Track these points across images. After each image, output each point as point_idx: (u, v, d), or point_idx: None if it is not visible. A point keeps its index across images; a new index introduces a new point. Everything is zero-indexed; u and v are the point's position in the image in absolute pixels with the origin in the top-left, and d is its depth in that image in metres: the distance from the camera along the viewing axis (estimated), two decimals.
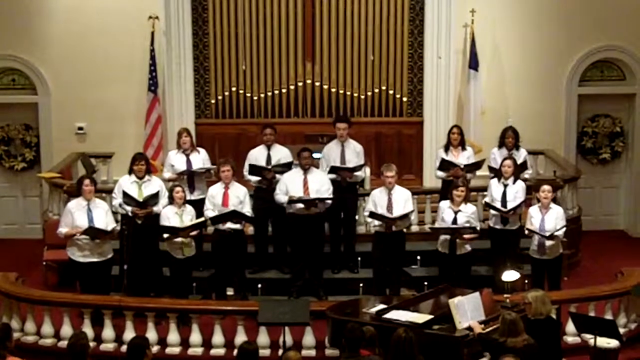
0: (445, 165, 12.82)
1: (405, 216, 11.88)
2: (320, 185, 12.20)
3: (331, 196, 12.18)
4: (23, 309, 11.27)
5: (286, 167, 12.57)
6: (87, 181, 11.60)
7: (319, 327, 10.53)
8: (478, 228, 11.74)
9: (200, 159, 12.74)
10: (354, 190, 12.87)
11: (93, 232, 11.36)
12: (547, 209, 11.58)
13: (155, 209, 11.82)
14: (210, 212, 11.88)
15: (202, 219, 11.79)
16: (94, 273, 11.46)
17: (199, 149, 12.95)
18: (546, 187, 11.62)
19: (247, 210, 11.95)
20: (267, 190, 12.54)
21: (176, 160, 12.68)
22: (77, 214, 11.46)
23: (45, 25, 15.45)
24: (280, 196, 12.19)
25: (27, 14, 15.38)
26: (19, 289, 11.38)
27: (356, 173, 12.72)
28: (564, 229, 11.53)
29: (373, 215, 11.79)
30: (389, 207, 11.86)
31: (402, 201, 11.93)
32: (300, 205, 12.05)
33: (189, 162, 12.63)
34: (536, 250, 11.64)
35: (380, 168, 12.35)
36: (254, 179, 12.64)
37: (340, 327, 9.05)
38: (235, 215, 11.78)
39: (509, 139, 13.05)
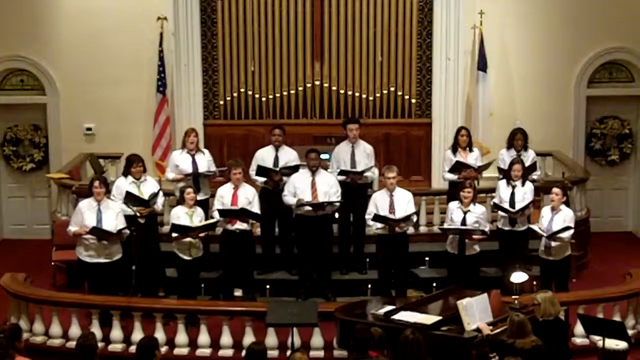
0: (457, 166, 12.79)
1: (408, 217, 11.88)
2: (329, 187, 12.20)
3: (339, 198, 12.18)
4: (31, 310, 11.28)
5: (294, 170, 12.56)
6: (96, 182, 11.60)
7: (327, 328, 10.52)
8: (487, 229, 11.76)
9: (205, 160, 12.75)
10: (363, 191, 12.86)
11: (98, 233, 11.36)
12: (556, 210, 11.59)
13: (155, 207, 11.92)
14: (217, 214, 11.89)
15: (213, 220, 11.81)
16: (102, 274, 11.47)
17: (203, 149, 12.97)
18: (555, 190, 11.64)
19: (256, 210, 11.96)
20: (273, 191, 12.55)
21: (181, 161, 12.67)
22: (86, 214, 11.47)
23: (53, 26, 15.48)
24: (289, 198, 12.20)
25: (35, 15, 15.41)
26: (27, 290, 11.39)
27: (366, 174, 12.72)
28: (571, 231, 11.52)
29: (377, 217, 11.78)
30: (391, 209, 11.86)
31: (404, 202, 11.93)
32: (309, 208, 12.06)
33: (194, 162, 12.63)
34: (544, 250, 11.66)
35: (381, 170, 12.38)
36: (260, 179, 12.64)
37: (349, 328, 9.04)
38: (245, 213, 11.79)
39: (518, 140, 13.06)
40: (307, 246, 12.24)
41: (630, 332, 10.36)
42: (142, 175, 12.09)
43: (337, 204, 12.21)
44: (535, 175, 12.94)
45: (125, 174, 12.10)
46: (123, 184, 12.01)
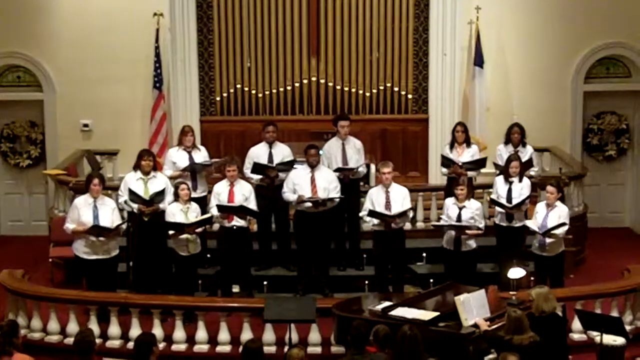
0: (445, 162, 12.83)
1: (404, 213, 11.87)
2: (328, 183, 12.19)
3: (339, 194, 12.17)
4: (29, 306, 11.29)
5: (289, 165, 12.57)
6: (96, 180, 11.58)
7: (324, 324, 10.53)
8: (482, 225, 11.77)
9: (202, 157, 12.72)
10: (356, 187, 12.86)
11: (97, 231, 11.37)
12: (552, 206, 11.60)
13: (161, 206, 11.80)
14: (215, 210, 11.87)
15: (208, 215, 11.80)
16: (99, 270, 11.48)
17: (199, 146, 12.94)
18: (550, 189, 11.64)
19: (252, 207, 11.95)
20: (268, 187, 12.55)
21: (178, 158, 12.63)
22: (82, 210, 11.48)
23: (50, 23, 15.47)
24: (289, 194, 12.19)
25: (32, 11, 15.40)
26: (25, 286, 11.40)
27: (358, 169, 12.73)
28: (565, 227, 11.53)
29: (372, 213, 11.78)
30: (387, 205, 11.85)
31: (400, 198, 11.91)
32: (309, 204, 12.05)
33: (191, 159, 12.60)
34: (537, 247, 11.67)
35: (377, 165, 12.38)
36: (256, 177, 12.62)
37: (346, 325, 9.05)
38: (243, 210, 11.79)
39: (515, 134, 13.04)
40: (307, 242, 12.23)
41: (628, 327, 10.38)
42: (152, 171, 12.04)
43: (337, 199, 12.21)
44: (532, 172, 12.94)
45: (135, 167, 12.06)
46: (130, 180, 11.97)
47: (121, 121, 15.51)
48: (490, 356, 9.29)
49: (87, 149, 15.19)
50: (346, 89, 14.95)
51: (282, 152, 12.79)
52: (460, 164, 12.68)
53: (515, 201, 12.00)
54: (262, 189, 12.58)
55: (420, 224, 13.54)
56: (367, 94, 14.99)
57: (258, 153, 12.79)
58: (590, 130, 16.09)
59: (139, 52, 15.34)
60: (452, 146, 13.00)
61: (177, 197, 11.75)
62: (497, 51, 15.56)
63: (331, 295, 12.09)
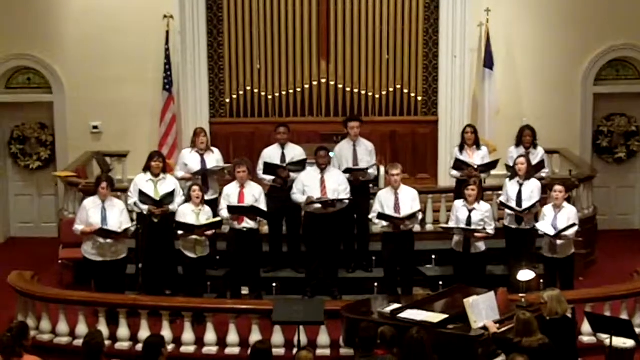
0: (459, 165, 12.79)
1: (413, 215, 11.85)
2: (338, 184, 12.18)
3: (349, 195, 12.16)
4: (38, 308, 11.31)
5: (300, 165, 12.57)
6: (104, 184, 11.59)
7: (333, 327, 10.51)
8: (492, 226, 11.73)
9: (215, 159, 12.73)
10: (366, 189, 12.85)
11: (104, 233, 11.40)
12: (560, 208, 11.56)
13: (171, 207, 11.82)
14: (224, 212, 11.87)
15: (219, 218, 11.79)
16: (108, 272, 11.50)
17: (212, 148, 12.92)
18: (558, 187, 11.59)
19: (263, 208, 11.95)
20: (282, 189, 12.54)
21: (190, 160, 12.65)
22: (91, 212, 11.51)
23: (60, 25, 15.49)
24: (298, 196, 12.18)
25: (42, 13, 15.42)
26: (34, 288, 11.41)
27: (369, 171, 12.72)
28: (576, 227, 11.50)
29: (381, 216, 11.76)
30: (396, 207, 11.84)
31: (409, 200, 11.90)
32: (318, 205, 12.05)
33: (203, 161, 12.60)
34: (547, 249, 11.63)
35: (386, 167, 12.38)
36: (269, 178, 12.62)
37: (355, 327, 9.04)
38: (254, 211, 11.79)
39: (526, 137, 13.01)
40: (316, 244, 12.22)
41: (638, 330, 10.32)
42: (162, 173, 12.05)
43: (347, 201, 12.20)
44: (543, 173, 12.89)
45: (145, 169, 12.08)
46: (140, 181, 11.99)
47: (131, 123, 15.52)
48: (499, 359, 9.29)
49: (97, 151, 15.23)
50: (356, 90, 14.97)
51: (294, 153, 12.80)
52: (475, 166, 12.65)
53: (525, 203, 11.96)
54: (274, 191, 12.59)
55: (429, 226, 13.51)
56: (377, 96, 15.00)
57: (271, 154, 12.81)
58: (600, 133, 16.05)
59: (148, 54, 15.36)
60: (461, 148, 12.98)
61: (189, 198, 11.77)
62: (507, 53, 15.54)
63: (340, 297, 12.08)
